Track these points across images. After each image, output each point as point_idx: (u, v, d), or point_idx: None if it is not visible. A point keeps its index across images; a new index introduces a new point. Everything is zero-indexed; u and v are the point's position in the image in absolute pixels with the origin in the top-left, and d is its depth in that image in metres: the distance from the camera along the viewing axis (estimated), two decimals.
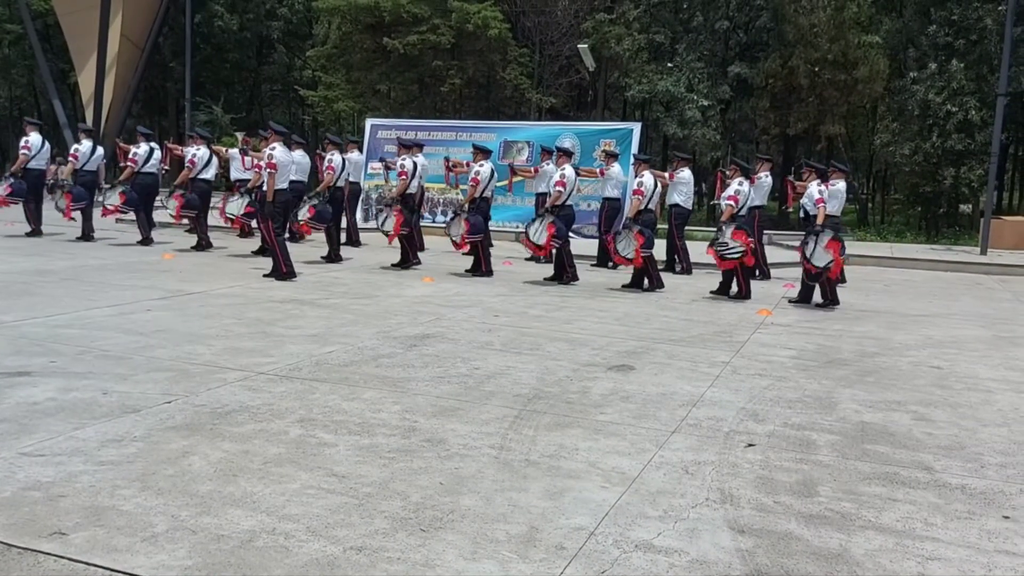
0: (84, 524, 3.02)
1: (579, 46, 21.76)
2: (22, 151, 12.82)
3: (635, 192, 10.18)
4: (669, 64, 23.83)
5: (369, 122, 19.98)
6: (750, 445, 4.24)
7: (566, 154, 10.92)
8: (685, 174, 11.88)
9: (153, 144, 13.03)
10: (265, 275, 9.73)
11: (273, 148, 9.68)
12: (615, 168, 12.28)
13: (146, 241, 12.74)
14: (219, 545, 2.91)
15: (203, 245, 12.38)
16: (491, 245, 11.43)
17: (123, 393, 4.68)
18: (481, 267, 10.88)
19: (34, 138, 12.94)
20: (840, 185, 10.01)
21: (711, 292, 9.92)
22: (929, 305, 9.94)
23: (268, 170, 9.62)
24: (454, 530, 3.12)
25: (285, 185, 9.89)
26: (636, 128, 17.38)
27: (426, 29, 24.34)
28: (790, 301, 9.61)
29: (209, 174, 12.70)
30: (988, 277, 13.41)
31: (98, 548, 2.84)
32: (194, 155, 12.47)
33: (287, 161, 9.90)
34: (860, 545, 3.12)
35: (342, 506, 3.29)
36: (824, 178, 9.89)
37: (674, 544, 3.06)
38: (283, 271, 9.63)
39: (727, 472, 3.84)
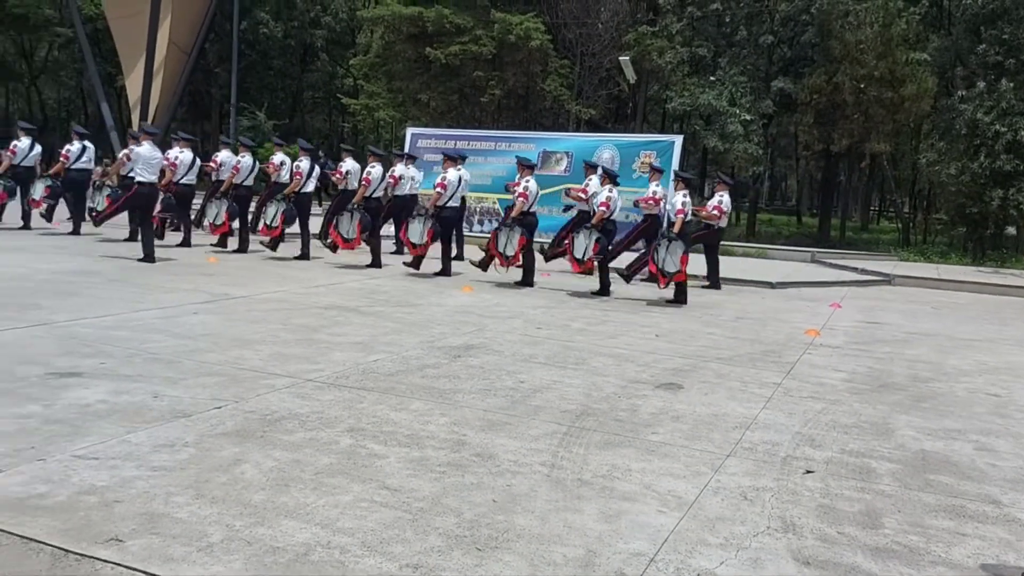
0: (140, 531, 3.00)
1: (620, 58, 21.67)
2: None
3: (520, 195, 10.68)
4: (711, 78, 23.64)
5: (409, 131, 20.09)
6: (809, 472, 4.12)
7: (529, 167, 11.17)
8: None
9: (87, 143, 13.83)
10: (139, 259, 10.62)
11: (139, 145, 11.15)
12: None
13: (76, 231, 13.50)
14: (275, 558, 2.87)
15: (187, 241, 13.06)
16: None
17: (173, 397, 4.69)
18: (375, 262, 11.89)
19: (184, 156, 13.16)
20: (725, 197, 11.57)
21: (592, 292, 10.51)
22: (980, 329, 9.69)
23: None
24: (510, 550, 3.05)
25: (142, 178, 10.95)
26: (678, 141, 17.25)
27: (468, 40, 24.40)
28: (668, 301, 10.10)
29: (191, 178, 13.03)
30: None
31: (155, 557, 2.82)
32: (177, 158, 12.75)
33: (147, 157, 10.98)
34: None
35: (396, 521, 3.24)
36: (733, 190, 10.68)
37: (738, 574, 2.97)
38: (144, 255, 10.70)
39: (787, 499, 3.73)
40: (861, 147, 22.58)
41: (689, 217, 10.34)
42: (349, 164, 13.24)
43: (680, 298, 10.09)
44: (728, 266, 14.57)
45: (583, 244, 10.10)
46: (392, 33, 26.19)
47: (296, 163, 12.65)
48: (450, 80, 25.72)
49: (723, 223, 11.93)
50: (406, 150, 17.99)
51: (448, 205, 11.32)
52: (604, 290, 10.47)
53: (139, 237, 11.35)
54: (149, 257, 10.66)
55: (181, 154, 12.63)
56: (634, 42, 23.08)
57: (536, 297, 10.03)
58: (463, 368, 5.93)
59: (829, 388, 6.02)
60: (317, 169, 13.12)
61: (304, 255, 12.42)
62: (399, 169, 13.26)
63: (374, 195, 12.00)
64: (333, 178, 13.56)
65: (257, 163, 13.20)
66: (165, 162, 12.31)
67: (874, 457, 4.43)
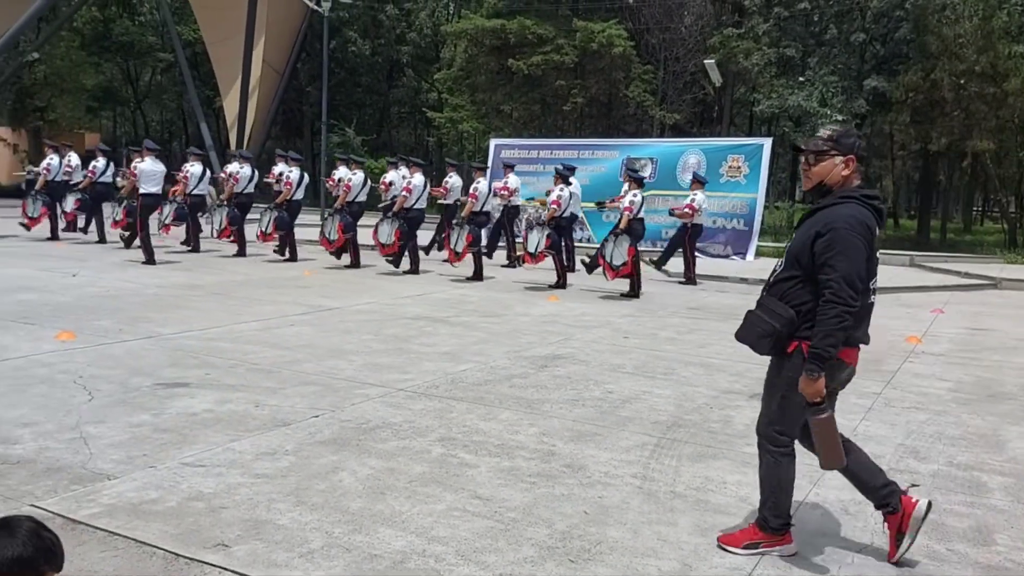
0: (245, 537, 3.12)
1: (705, 62, 21.39)
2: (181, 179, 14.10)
3: (470, 195, 11.84)
4: (800, 78, 23.07)
5: (493, 142, 20.29)
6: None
7: (481, 170, 12.39)
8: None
9: (108, 160, 14.84)
10: (143, 262, 11.68)
11: (141, 161, 12.15)
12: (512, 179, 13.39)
13: (101, 240, 14.53)
14: (373, 565, 2.94)
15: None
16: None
17: (274, 407, 4.86)
18: (352, 261, 12.71)
19: (195, 168, 13.76)
20: (699, 196, 12.30)
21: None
22: None
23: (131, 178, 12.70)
24: (603, 563, 3.04)
25: (145, 190, 11.96)
26: (767, 144, 16.90)
27: (550, 49, 24.52)
28: (622, 295, 10.64)
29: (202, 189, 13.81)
30: None
31: (259, 562, 2.93)
32: (238, 172, 13.50)
33: (149, 172, 12.04)
34: None
35: (488, 530, 3.27)
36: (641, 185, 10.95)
37: None
38: (146, 259, 11.82)
39: None
40: (962, 145, 21.60)
41: (641, 214, 10.63)
42: (483, 185, 13.05)
43: (633, 292, 10.66)
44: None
45: (535, 239, 10.97)
46: (475, 46, 26.57)
47: (288, 173, 13.34)
48: (532, 90, 25.88)
49: (697, 220, 12.47)
50: (489, 161, 18.19)
51: (415, 207, 11.99)
52: (561, 283, 11.36)
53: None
54: (150, 260, 11.79)
55: (192, 167, 13.49)
56: (719, 45, 22.76)
57: (623, 306, 9.96)
58: (550, 378, 5.94)
59: (933, 398, 5.77)
60: (306, 178, 13.85)
61: (292, 257, 13.32)
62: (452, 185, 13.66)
63: (415, 205, 12.28)
64: (435, 193, 13.73)
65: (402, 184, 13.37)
66: (179, 175, 13.36)
67: (984, 470, 4.23)
